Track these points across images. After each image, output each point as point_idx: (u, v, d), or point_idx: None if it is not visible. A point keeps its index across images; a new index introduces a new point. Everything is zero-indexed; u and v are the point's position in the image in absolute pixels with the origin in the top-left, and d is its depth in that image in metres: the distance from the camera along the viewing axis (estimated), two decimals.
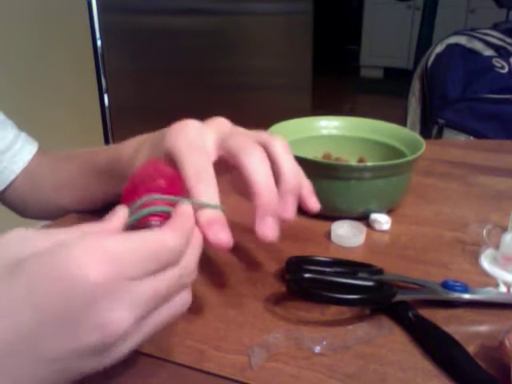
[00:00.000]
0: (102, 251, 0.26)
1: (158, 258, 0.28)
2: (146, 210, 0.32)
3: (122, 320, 0.26)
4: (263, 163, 0.37)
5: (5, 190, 0.57)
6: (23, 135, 0.58)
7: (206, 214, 0.34)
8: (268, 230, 0.36)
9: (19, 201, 0.58)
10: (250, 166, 0.36)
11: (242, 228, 0.58)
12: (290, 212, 0.39)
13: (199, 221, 0.34)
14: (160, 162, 0.37)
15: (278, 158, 0.39)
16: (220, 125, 0.41)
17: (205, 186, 0.35)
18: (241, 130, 0.41)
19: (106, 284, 0.25)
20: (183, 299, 0.31)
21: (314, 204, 0.42)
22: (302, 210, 0.60)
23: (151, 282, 0.28)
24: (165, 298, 0.29)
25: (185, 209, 0.32)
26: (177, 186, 0.35)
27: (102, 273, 0.25)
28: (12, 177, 0.56)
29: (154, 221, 0.32)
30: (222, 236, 0.34)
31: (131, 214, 0.32)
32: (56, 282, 0.25)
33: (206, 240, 0.34)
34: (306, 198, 0.41)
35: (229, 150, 0.38)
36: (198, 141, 0.38)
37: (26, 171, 0.57)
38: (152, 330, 0.29)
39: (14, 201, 0.58)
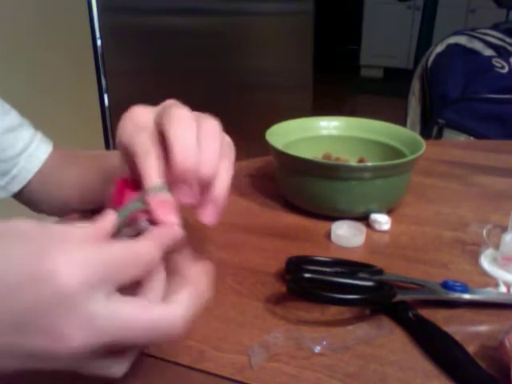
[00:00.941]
0: (81, 256, 0.26)
1: (125, 270, 0.28)
2: (130, 206, 0.32)
3: (76, 337, 0.25)
4: (188, 131, 0.34)
5: (22, 189, 0.58)
6: (39, 135, 0.59)
7: (154, 198, 0.33)
8: (186, 196, 0.34)
9: (34, 198, 0.60)
10: (172, 132, 0.34)
11: (241, 228, 0.58)
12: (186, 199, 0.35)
13: (150, 203, 0.33)
14: None
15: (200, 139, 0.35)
16: (164, 104, 0.39)
17: (149, 163, 0.34)
18: (180, 106, 0.38)
19: (72, 290, 0.25)
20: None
21: (207, 216, 0.35)
22: (302, 210, 0.61)
23: (114, 305, 0.27)
24: (126, 342, 0.28)
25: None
26: None
27: (71, 276, 0.25)
28: (29, 176, 0.57)
29: (144, 222, 0.32)
30: (172, 218, 0.33)
31: (119, 214, 0.32)
32: (27, 278, 0.25)
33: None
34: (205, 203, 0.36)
35: (160, 121, 0.36)
36: (140, 122, 0.37)
37: (41, 170, 0.58)
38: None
39: (30, 199, 0.60)
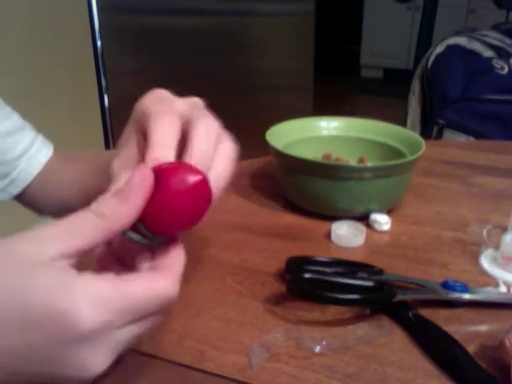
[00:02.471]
0: (101, 299, 0.27)
1: (146, 310, 0.29)
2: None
3: (100, 364, 0.27)
4: (210, 145, 0.34)
5: (22, 191, 0.58)
6: (40, 137, 0.60)
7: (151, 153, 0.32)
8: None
9: (35, 200, 0.60)
10: (196, 134, 0.33)
11: (241, 228, 0.58)
12: None
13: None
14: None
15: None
16: (192, 102, 0.38)
17: (164, 125, 0.33)
18: (207, 115, 0.37)
19: (97, 332, 0.26)
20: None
21: None
22: (302, 210, 0.61)
23: (134, 329, 0.29)
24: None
25: (176, 251, 0.32)
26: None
27: (95, 321, 0.26)
28: (29, 179, 0.58)
29: (142, 227, 0.32)
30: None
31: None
32: (51, 314, 0.26)
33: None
34: None
35: (186, 118, 0.35)
36: (166, 100, 0.36)
37: (41, 172, 0.58)
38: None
39: (31, 200, 0.60)
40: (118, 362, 0.30)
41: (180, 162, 0.32)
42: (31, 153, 0.57)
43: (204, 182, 0.31)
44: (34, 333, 0.26)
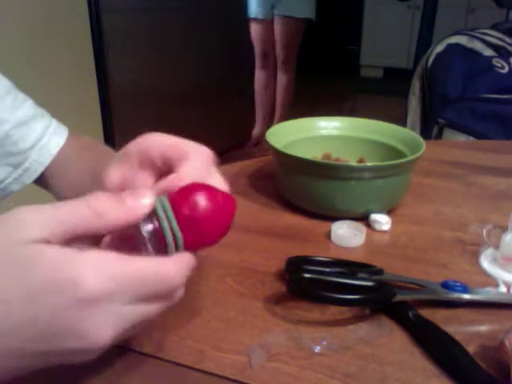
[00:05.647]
0: (106, 269, 0.27)
1: (151, 290, 0.29)
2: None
3: (102, 337, 0.27)
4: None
5: (36, 180, 0.59)
6: (53, 125, 0.59)
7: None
8: None
9: (50, 187, 0.60)
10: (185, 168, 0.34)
11: (241, 228, 0.58)
12: None
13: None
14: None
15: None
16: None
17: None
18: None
19: (100, 299, 0.27)
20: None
21: None
22: (302, 210, 0.61)
23: (138, 309, 0.29)
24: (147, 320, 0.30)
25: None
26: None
27: (99, 287, 0.26)
28: (41, 169, 0.58)
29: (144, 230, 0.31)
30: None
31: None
32: (56, 284, 0.26)
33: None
34: None
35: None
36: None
37: (55, 160, 0.58)
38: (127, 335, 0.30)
39: (48, 186, 0.60)
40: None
41: (202, 184, 0.32)
42: (43, 142, 0.57)
43: (233, 200, 0.32)
44: (38, 304, 0.26)
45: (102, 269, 0.27)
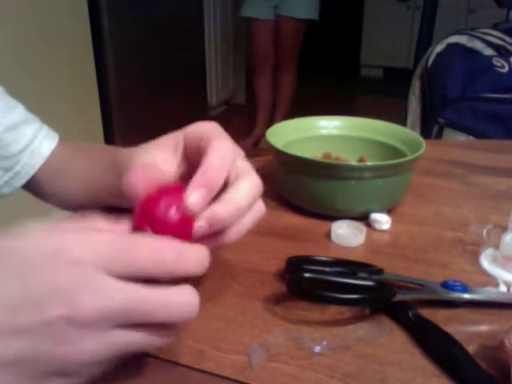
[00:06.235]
0: (86, 240, 0.28)
1: (143, 267, 0.29)
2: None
3: (87, 308, 0.27)
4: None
5: (27, 183, 0.59)
6: (44, 130, 0.59)
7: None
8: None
9: (42, 191, 0.60)
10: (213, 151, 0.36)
11: None
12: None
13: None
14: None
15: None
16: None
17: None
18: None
19: (83, 262, 0.27)
20: (163, 335, 0.31)
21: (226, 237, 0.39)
22: (302, 210, 0.61)
23: (124, 288, 0.28)
24: (141, 318, 0.29)
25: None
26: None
27: (81, 250, 0.27)
28: (32, 172, 0.58)
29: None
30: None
31: None
32: (43, 257, 0.27)
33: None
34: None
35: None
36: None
37: (47, 164, 0.59)
38: (120, 349, 0.29)
39: (37, 191, 0.60)
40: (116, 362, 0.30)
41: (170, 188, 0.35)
42: (34, 146, 0.57)
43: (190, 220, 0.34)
44: (28, 273, 0.27)
45: (85, 239, 0.28)
